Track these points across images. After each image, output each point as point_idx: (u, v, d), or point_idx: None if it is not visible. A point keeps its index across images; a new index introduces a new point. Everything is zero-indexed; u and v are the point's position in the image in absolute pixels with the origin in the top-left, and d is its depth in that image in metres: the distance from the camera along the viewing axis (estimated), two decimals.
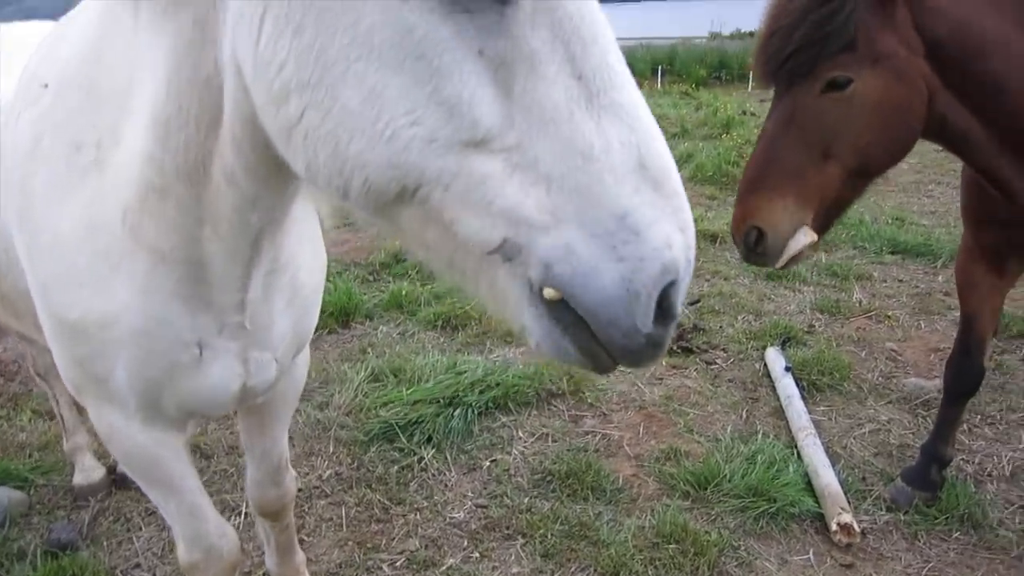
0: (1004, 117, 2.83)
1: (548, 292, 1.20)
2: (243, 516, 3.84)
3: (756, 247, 2.85)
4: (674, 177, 1.21)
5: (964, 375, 3.70)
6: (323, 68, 1.17)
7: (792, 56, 2.79)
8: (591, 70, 1.18)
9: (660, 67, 25.65)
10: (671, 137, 13.53)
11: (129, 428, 2.09)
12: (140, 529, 3.82)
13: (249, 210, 1.65)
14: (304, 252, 2.16)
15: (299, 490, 3.93)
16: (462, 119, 1.14)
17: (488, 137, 1.15)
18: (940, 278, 6.93)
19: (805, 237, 2.82)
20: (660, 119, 11.56)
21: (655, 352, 1.24)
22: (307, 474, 4.17)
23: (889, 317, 6.15)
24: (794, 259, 2.87)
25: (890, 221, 8.64)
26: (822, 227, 2.93)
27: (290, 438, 4.34)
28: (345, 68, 1.15)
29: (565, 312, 1.21)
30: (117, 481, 4.14)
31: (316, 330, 5.07)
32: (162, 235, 1.73)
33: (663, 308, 1.20)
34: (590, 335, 1.22)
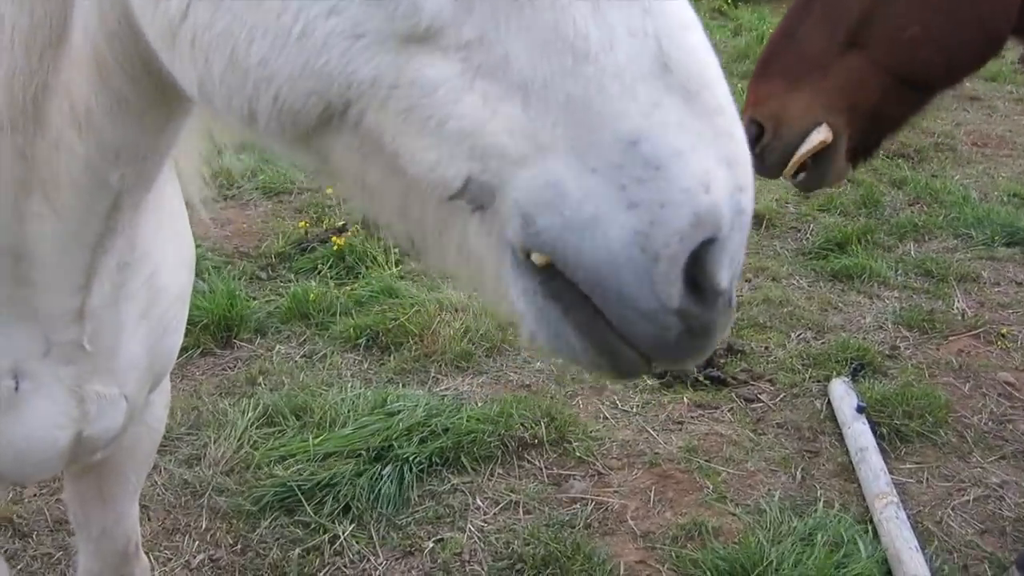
0: None
1: (536, 256, 1.21)
2: None
3: (754, 147, 3.01)
4: (716, 85, 1.20)
5: None
6: None
7: None
8: None
9: None
10: None
11: None
12: None
13: (109, 166, 1.65)
14: (166, 241, 2.16)
15: None
16: (397, 2, 1.16)
17: (436, 28, 1.16)
18: None
19: (818, 135, 2.99)
20: None
21: (698, 342, 1.23)
22: (169, 560, 4.15)
23: (1003, 336, 6.27)
24: (814, 175, 3.05)
25: (1006, 199, 8.81)
26: (859, 146, 3.09)
27: (144, 507, 4.31)
28: None
29: (565, 285, 1.22)
30: None
31: (184, 350, 5.05)
32: None
33: (699, 281, 1.19)
34: (602, 319, 1.23)
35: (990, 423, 5.29)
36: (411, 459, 4.65)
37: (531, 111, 1.16)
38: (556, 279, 1.22)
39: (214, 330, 5.94)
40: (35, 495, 4.53)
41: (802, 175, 3.09)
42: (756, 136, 3.00)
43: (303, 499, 4.42)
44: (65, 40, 1.50)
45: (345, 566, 4.14)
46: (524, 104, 1.16)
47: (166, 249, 2.16)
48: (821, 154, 3.00)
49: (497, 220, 1.21)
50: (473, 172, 1.19)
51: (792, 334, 6.27)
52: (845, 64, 2.94)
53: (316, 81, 1.19)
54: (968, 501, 4.63)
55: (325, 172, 1.34)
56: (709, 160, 1.15)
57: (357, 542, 4.26)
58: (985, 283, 7.10)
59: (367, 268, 6.79)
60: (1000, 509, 4.58)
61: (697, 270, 1.18)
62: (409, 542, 4.29)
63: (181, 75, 1.32)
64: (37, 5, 1.48)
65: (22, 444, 2.02)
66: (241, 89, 1.24)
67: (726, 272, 1.20)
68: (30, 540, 4.26)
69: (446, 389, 5.45)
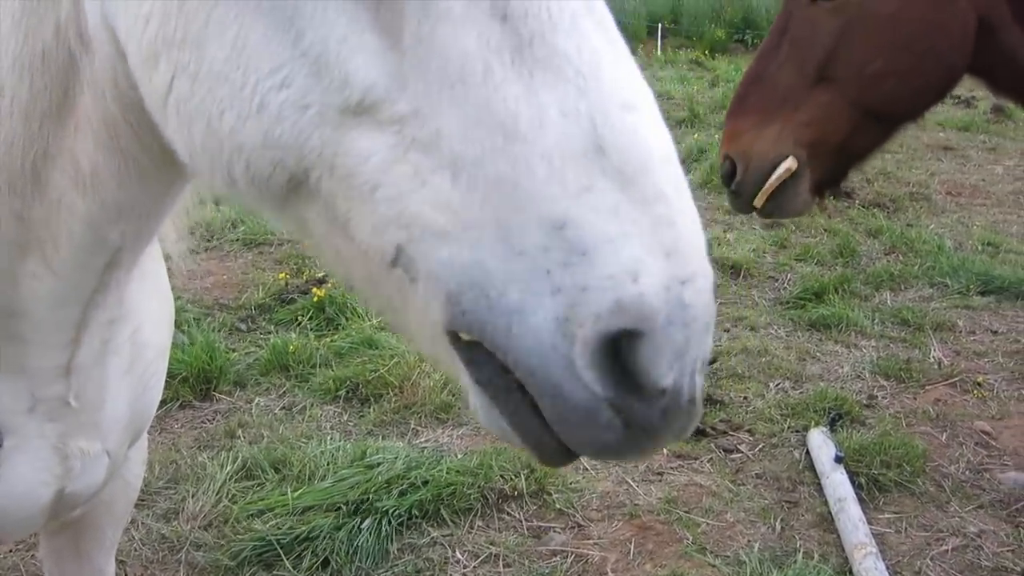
0: None
1: (465, 334, 1.21)
2: None
3: (730, 183, 3.23)
4: (658, 170, 1.17)
5: None
6: (186, 18, 1.25)
7: None
8: (521, 6, 1.18)
9: (660, 24, 26.20)
10: (675, 124, 13.85)
11: None
12: None
13: (111, 224, 1.68)
14: (149, 297, 2.19)
15: None
16: (331, 76, 1.20)
17: (371, 102, 1.19)
18: None
19: (784, 165, 3.15)
20: (661, 98, 11.75)
21: (640, 442, 1.20)
22: None
23: (979, 385, 6.33)
24: (779, 204, 3.21)
25: (980, 248, 8.93)
26: (825, 178, 3.24)
27: (121, 562, 4.29)
28: (207, 15, 1.24)
29: (495, 370, 1.22)
30: None
31: (163, 403, 5.04)
32: None
33: (637, 377, 1.15)
34: (530, 407, 1.21)
35: (967, 472, 5.33)
36: (390, 512, 4.64)
37: (460, 187, 1.16)
38: (487, 363, 1.21)
39: (193, 382, 5.94)
40: (11, 551, 4.50)
41: (765, 206, 3.25)
42: (730, 172, 3.18)
43: (282, 553, 4.40)
44: (68, 108, 1.54)
45: None
46: (454, 179, 1.16)
47: (149, 305, 2.18)
48: (784, 184, 3.15)
49: (428, 295, 1.21)
50: (401, 241, 1.20)
51: (771, 384, 6.32)
52: (812, 99, 3.12)
53: (276, 150, 1.23)
54: (947, 551, 4.65)
55: (307, 239, 1.36)
56: (641, 249, 1.12)
57: None
58: (961, 332, 7.19)
59: (347, 319, 6.81)
60: (978, 558, 4.60)
61: (633, 367, 1.14)
62: None
63: (173, 141, 1.37)
64: (37, 77, 1.52)
65: (3, 502, 2.02)
66: (219, 157, 1.28)
67: (667, 370, 1.14)
68: None
69: (426, 441, 5.45)
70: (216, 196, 2.01)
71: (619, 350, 1.14)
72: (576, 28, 1.18)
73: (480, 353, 1.21)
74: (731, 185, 3.24)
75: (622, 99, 1.17)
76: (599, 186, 1.13)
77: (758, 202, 3.18)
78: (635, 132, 1.16)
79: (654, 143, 1.18)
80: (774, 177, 3.13)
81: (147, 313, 2.17)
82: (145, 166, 1.57)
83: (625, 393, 1.15)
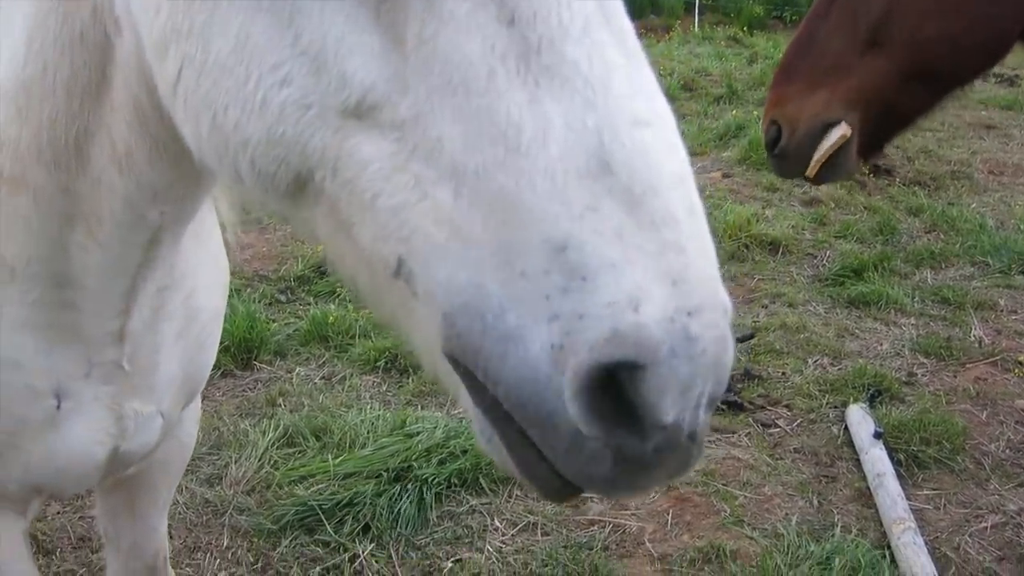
0: None
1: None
2: None
3: (774, 147, 3.22)
4: (669, 191, 1.10)
5: None
6: (193, 9, 1.26)
7: None
8: (530, 9, 1.13)
9: (698, 1, 26.03)
10: (713, 101, 13.75)
11: None
12: None
13: (148, 204, 1.72)
14: (203, 263, 2.22)
15: None
16: (329, 76, 1.18)
17: (371, 104, 1.17)
18: None
19: (837, 132, 3.14)
20: (699, 75, 11.70)
21: (632, 477, 1.13)
22: None
23: (1021, 364, 6.29)
24: (831, 169, 3.18)
25: (1023, 228, 8.82)
26: (870, 143, 3.22)
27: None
28: (212, 7, 1.24)
29: (492, 399, 1.16)
30: None
31: None
32: (12, 242, 1.80)
33: (636, 409, 1.09)
34: (529, 443, 1.16)
35: (1007, 451, 5.31)
36: (430, 480, 4.69)
37: (461, 201, 1.11)
38: (486, 390, 1.16)
39: (234, 352, 6.01)
40: (58, 513, 4.59)
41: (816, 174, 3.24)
42: (775, 137, 3.18)
43: (323, 518, 4.46)
44: (106, 86, 1.58)
45: None
46: (455, 193, 1.11)
47: (203, 270, 2.22)
48: (837, 151, 3.13)
49: (427, 313, 1.17)
50: (402, 253, 1.17)
51: (809, 360, 6.30)
52: (862, 64, 3.10)
53: (280, 148, 1.22)
54: (986, 528, 4.64)
55: (315, 239, 1.34)
56: (645, 276, 1.05)
57: (377, 561, 4.29)
58: (1002, 311, 7.12)
59: None
60: (1018, 536, 4.59)
61: (634, 397, 1.08)
62: (428, 562, 4.32)
63: (183, 131, 1.38)
64: (77, 55, 1.56)
65: (62, 459, 2.08)
66: (225, 151, 1.28)
67: (669, 406, 1.07)
68: (54, 557, 4.31)
69: (464, 411, 5.47)
70: (229, 192, 2.03)
71: (620, 383, 1.08)
72: (588, 35, 1.13)
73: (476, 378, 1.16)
74: (775, 150, 3.24)
75: (634, 114, 1.11)
76: (604, 207, 1.07)
77: (811, 171, 3.16)
78: (646, 150, 1.10)
79: (666, 162, 1.11)
80: (828, 144, 3.12)
81: (201, 278, 2.21)
82: (175, 151, 1.58)
83: (613, 427, 1.09)
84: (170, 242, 1.89)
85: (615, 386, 1.08)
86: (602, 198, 1.07)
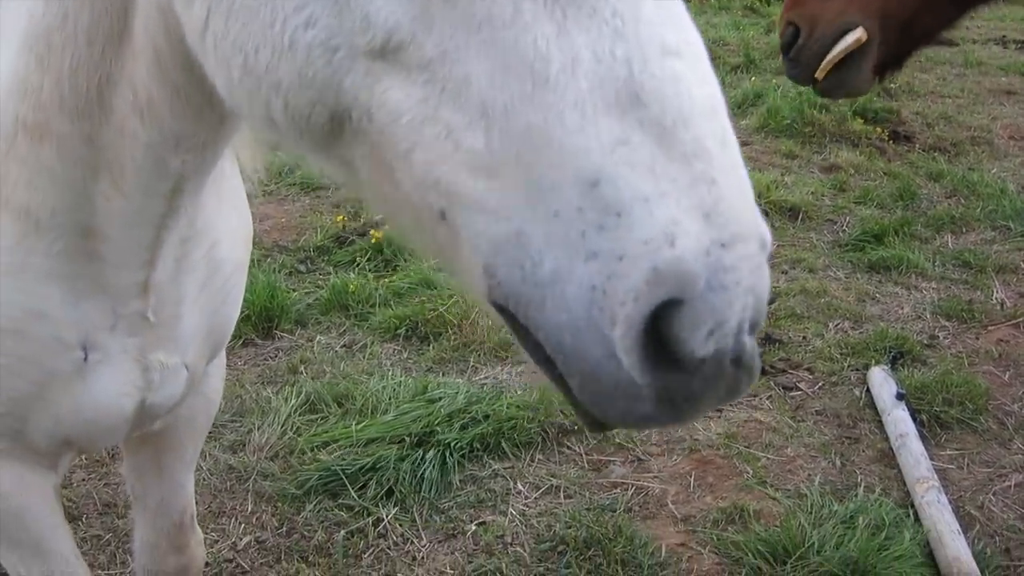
0: None
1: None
2: None
3: (789, 50, 3.20)
4: (700, 122, 1.09)
5: None
6: None
7: None
8: None
9: None
10: (731, 70, 13.66)
11: None
12: None
13: (170, 153, 1.72)
14: (225, 215, 2.23)
15: (205, 564, 3.97)
16: (352, 17, 1.16)
17: (396, 44, 1.15)
18: None
19: (853, 35, 3.11)
20: (716, 44, 11.66)
21: (680, 412, 1.13)
22: (216, 542, 4.23)
23: None
24: (842, 76, 3.15)
25: None
26: (887, 58, 3.20)
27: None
28: None
29: (529, 335, 1.18)
30: None
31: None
32: (37, 192, 1.80)
33: (669, 346, 1.09)
34: (566, 384, 1.17)
35: None
36: (452, 444, 4.70)
37: (493, 143, 1.10)
38: (528, 333, 1.17)
39: (255, 321, 6.02)
40: (84, 480, 4.62)
41: (827, 79, 3.20)
42: (792, 38, 3.16)
43: (347, 483, 4.48)
44: (127, 33, 1.56)
45: (389, 548, 4.20)
46: (486, 135, 1.10)
47: (225, 223, 2.23)
48: (850, 57, 3.11)
49: (471, 260, 1.18)
50: (443, 206, 1.17)
51: (830, 324, 6.28)
52: None
53: (313, 90, 1.21)
54: (1009, 487, 4.63)
55: (354, 183, 1.33)
56: (679, 209, 1.05)
57: (400, 525, 4.32)
58: None
59: (405, 261, 6.85)
60: None
61: (667, 334, 1.08)
62: (452, 525, 4.34)
63: (213, 78, 1.37)
64: (98, 1, 1.55)
65: (90, 411, 2.09)
66: (257, 95, 1.27)
67: (703, 339, 1.07)
68: (80, 523, 4.35)
69: (485, 378, 5.49)
70: (261, 138, 2.03)
71: (658, 320, 1.08)
72: None
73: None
74: (790, 52, 3.21)
75: (664, 43, 1.09)
76: (635, 139, 1.06)
77: (820, 73, 3.13)
78: (677, 80, 1.08)
79: (697, 93, 1.10)
80: (842, 46, 3.10)
81: (224, 230, 2.22)
82: (196, 99, 1.58)
83: (664, 372, 1.09)
84: (192, 192, 1.89)
85: (655, 325, 1.08)
86: (633, 131, 1.06)
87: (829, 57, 3.11)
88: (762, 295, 1.12)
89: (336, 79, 1.19)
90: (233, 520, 4.38)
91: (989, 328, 6.25)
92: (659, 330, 1.08)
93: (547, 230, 1.08)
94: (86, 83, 1.64)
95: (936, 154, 9.87)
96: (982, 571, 3.93)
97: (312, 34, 1.18)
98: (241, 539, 4.26)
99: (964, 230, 7.88)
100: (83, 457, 4.67)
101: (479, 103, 1.10)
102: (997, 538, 4.28)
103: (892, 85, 11.82)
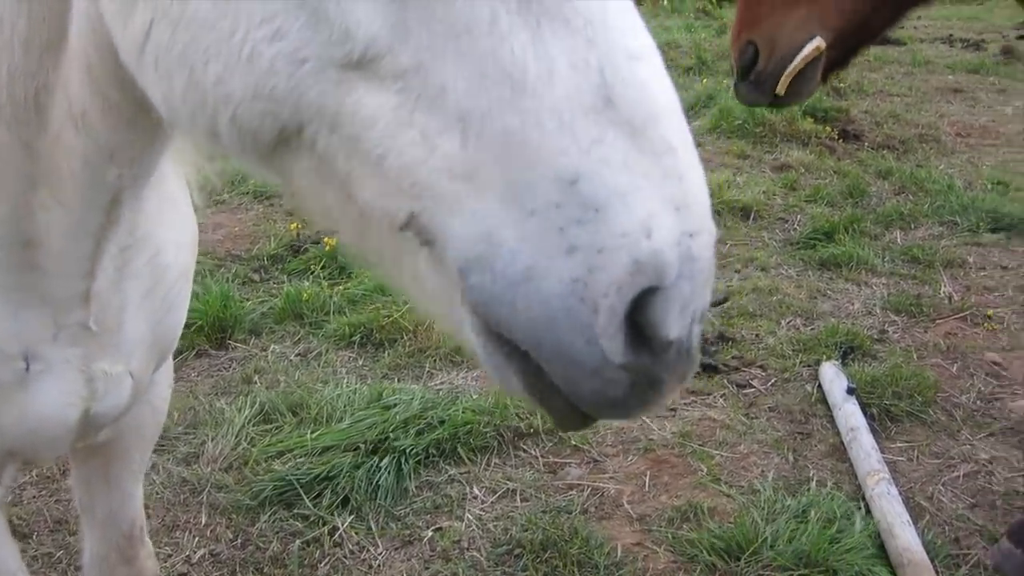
0: None
1: None
2: None
3: (749, 71, 3.18)
4: (666, 121, 1.15)
5: None
6: None
7: None
8: None
9: None
10: (684, 72, 13.79)
11: None
12: None
13: (105, 164, 1.71)
14: (168, 221, 2.22)
15: None
16: (331, 29, 1.16)
17: (372, 55, 1.16)
18: None
19: (811, 45, 3.12)
20: (667, 47, 11.71)
21: (646, 396, 1.19)
22: (170, 556, 4.19)
23: (989, 318, 6.37)
24: (799, 86, 3.16)
25: (990, 187, 8.92)
26: (837, 61, 3.24)
27: (143, 505, 4.36)
28: None
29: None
30: None
31: (179, 352, 5.08)
32: None
33: (644, 331, 1.15)
34: (545, 375, 1.20)
35: (978, 402, 5.37)
36: (408, 451, 4.70)
37: (469, 147, 1.13)
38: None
39: (208, 331, 5.99)
40: (35, 497, 4.57)
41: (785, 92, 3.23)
42: (751, 61, 3.15)
43: (302, 492, 4.46)
44: (65, 41, 1.55)
45: (345, 557, 4.18)
46: (463, 140, 1.13)
47: (168, 228, 2.21)
48: (808, 65, 3.13)
49: (444, 261, 1.19)
50: (415, 210, 1.17)
51: (782, 321, 6.35)
52: None
53: (268, 103, 1.20)
54: (958, 477, 4.70)
55: (291, 193, 1.32)
56: (653, 203, 1.11)
57: (356, 533, 4.30)
58: (971, 268, 7.21)
59: (359, 267, 6.83)
60: (990, 484, 4.65)
61: (641, 319, 1.13)
62: (408, 532, 4.34)
63: (149, 91, 1.35)
64: (35, 7, 1.53)
65: (34, 422, 2.07)
66: (202, 108, 1.26)
67: (675, 322, 1.14)
68: (30, 541, 4.29)
69: (441, 383, 5.50)
70: (200, 150, 2.03)
71: (638, 308, 1.13)
72: None
73: None
74: (750, 75, 3.21)
75: (629, 49, 1.15)
76: (609, 138, 1.11)
77: (781, 88, 3.14)
78: (643, 83, 1.14)
79: (661, 94, 1.16)
80: (800, 57, 3.10)
81: (168, 237, 2.20)
82: (128, 111, 1.56)
83: (639, 355, 1.15)
84: (131, 201, 1.88)
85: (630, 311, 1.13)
86: (607, 130, 1.11)
87: (789, 70, 3.13)
88: (712, 283, 1.21)
89: (299, 91, 1.18)
90: (187, 533, 4.34)
91: (937, 321, 6.35)
92: (633, 315, 1.13)
93: (522, 229, 1.12)
94: (23, 91, 1.63)
95: (885, 152, 10.03)
96: (932, 560, 3.98)
97: (279, 46, 1.17)
98: (195, 552, 4.22)
99: (912, 226, 8.01)
100: (33, 473, 4.63)
101: (456, 109, 1.13)
102: (946, 527, 4.34)
103: (841, 85, 12.00)
